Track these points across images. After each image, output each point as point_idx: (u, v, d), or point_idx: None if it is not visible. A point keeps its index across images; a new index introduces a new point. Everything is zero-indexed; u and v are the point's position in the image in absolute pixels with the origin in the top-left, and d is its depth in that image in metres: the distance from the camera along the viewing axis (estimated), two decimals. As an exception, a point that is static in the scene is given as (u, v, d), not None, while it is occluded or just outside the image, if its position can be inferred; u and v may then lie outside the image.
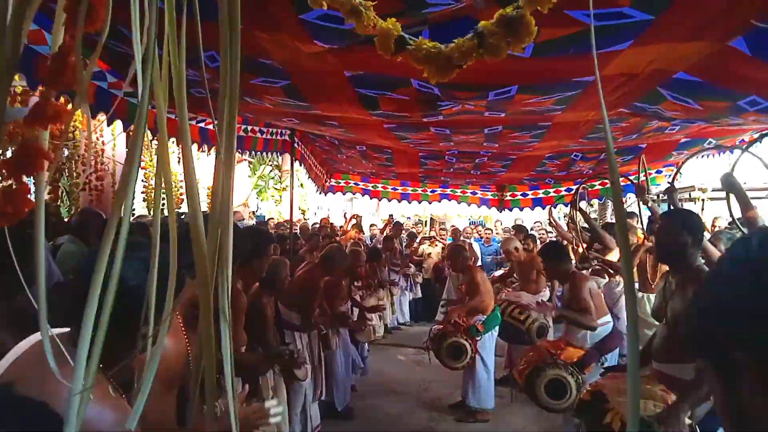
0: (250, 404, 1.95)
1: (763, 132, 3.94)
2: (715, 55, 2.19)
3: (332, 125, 4.58)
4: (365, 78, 2.78)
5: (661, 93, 2.91)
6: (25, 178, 0.65)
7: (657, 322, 3.02)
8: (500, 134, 4.85)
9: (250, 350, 3.41)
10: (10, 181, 0.65)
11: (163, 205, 0.98)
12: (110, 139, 5.24)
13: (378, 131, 4.75)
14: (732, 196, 3.33)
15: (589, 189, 8.00)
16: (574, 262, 5.72)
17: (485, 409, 5.20)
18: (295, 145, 5.89)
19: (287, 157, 6.47)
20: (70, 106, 0.75)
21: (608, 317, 4.13)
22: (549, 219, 7.61)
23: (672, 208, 3.71)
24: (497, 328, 5.38)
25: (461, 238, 9.62)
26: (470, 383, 5.21)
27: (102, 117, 3.67)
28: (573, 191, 8.11)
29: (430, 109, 3.42)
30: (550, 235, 10.13)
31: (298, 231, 8.21)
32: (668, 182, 4.55)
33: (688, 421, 2.42)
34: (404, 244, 9.70)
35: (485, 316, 5.22)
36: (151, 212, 5.40)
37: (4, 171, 0.65)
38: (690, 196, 7.89)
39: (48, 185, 5.50)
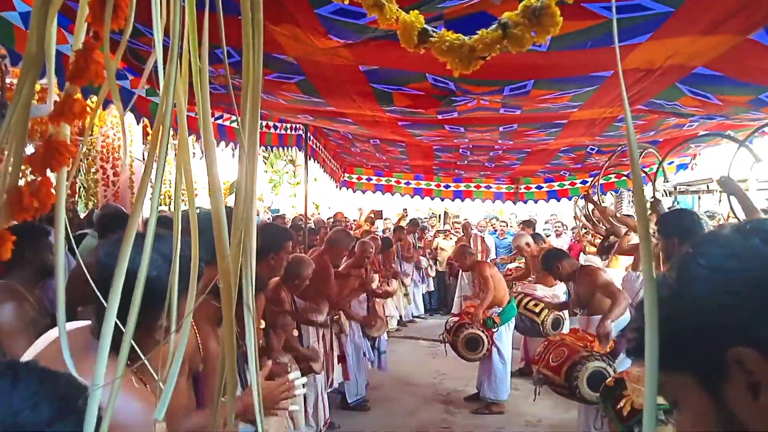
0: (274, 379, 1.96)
1: (759, 126, 3.88)
2: (735, 48, 2.16)
3: (346, 122, 4.59)
4: (380, 73, 2.77)
5: (680, 88, 2.88)
6: (48, 173, 0.66)
7: None
8: (515, 132, 4.83)
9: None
10: (34, 177, 0.66)
11: (184, 198, 1.00)
12: (128, 135, 5.31)
13: (392, 128, 4.75)
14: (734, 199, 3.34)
15: (605, 181, 7.94)
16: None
17: (500, 400, 5.21)
18: (309, 140, 5.91)
19: (301, 152, 6.51)
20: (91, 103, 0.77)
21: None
22: (579, 212, 7.53)
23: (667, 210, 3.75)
24: (513, 320, 5.38)
25: (473, 233, 9.58)
26: (486, 375, 5.21)
27: (120, 114, 3.70)
28: (588, 183, 8.06)
29: (445, 104, 3.41)
30: (565, 228, 10.07)
31: (312, 225, 8.24)
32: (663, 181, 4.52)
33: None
34: (416, 237, 9.68)
35: (501, 308, 5.22)
36: (171, 206, 5.45)
37: (28, 166, 0.66)
38: (708, 188, 7.78)
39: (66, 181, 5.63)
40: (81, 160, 5.29)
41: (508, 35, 0.90)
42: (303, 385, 1.99)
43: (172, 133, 0.93)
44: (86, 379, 0.84)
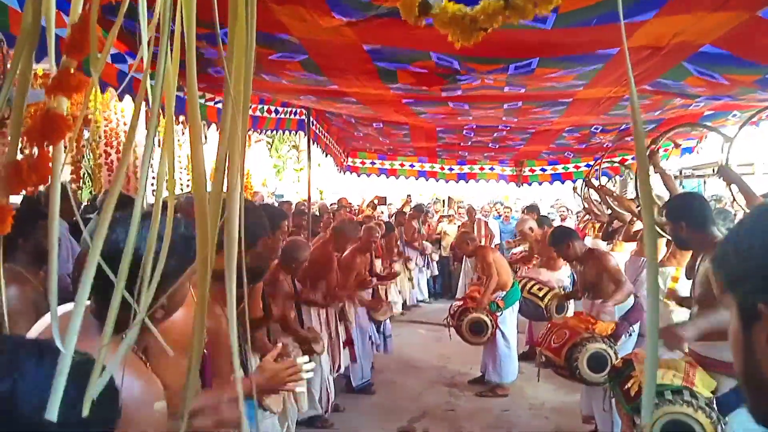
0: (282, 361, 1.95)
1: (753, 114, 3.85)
2: (743, 26, 2.12)
3: (350, 102, 4.56)
4: (384, 51, 2.75)
5: (686, 67, 2.84)
6: (46, 147, 0.66)
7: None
8: (520, 110, 4.78)
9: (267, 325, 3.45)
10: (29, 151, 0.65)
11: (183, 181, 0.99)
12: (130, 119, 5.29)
13: (396, 107, 4.72)
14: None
15: (610, 165, 7.89)
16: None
17: (506, 383, 5.23)
18: (312, 124, 5.88)
19: (304, 137, 6.46)
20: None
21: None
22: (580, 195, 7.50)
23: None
24: (517, 303, 5.38)
25: (477, 217, 9.56)
26: (491, 358, 5.24)
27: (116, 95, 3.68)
28: (590, 167, 8.01)
29: (449, 83, 3.38)
30: (570, 212, 10.03)
31: (316, 211, 8.24)
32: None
33: (706, 394, 2.44)
34: (420, 222, 9.67)
35: (504, 292, 5.23)
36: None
37: (25, 139, 0.66)
38: (714, 171, 7.73)
39: (71, 166, 5.55)
40: (84, 146, 5.29)
41: (511, 5, 0.88)
42: (310, 369, 1.99)
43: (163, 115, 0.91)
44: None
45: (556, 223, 9.23)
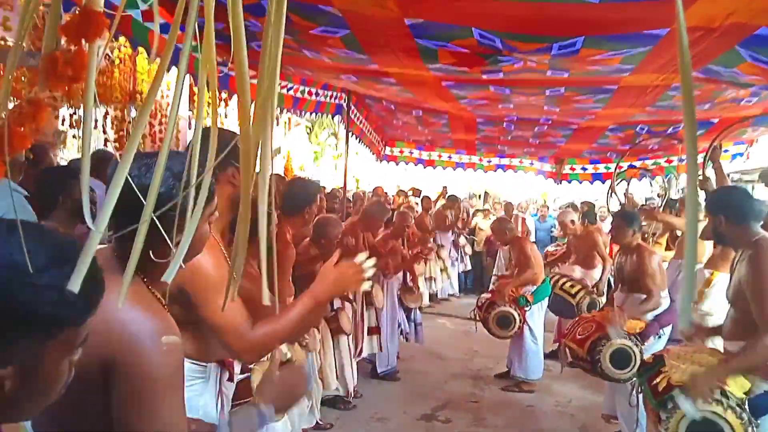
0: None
1: None
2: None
3: (389, 83, 4.54)
4: (425, 27, 2.72)
5: (740, 52, 2.72)
6: (84, 44, 0.66)
7: None
8: (562, 97, 4.68)
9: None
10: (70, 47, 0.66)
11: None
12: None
13: (436, 89, 4.68)
14: None
15: (654, 166, 7.67)
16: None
17: (531, 379, 5.15)
18: (350, 109, 5.89)
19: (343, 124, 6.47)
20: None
21: (665, 292, 3.99)
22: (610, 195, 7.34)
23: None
24: (547, 299, 5.29)
25: (514, 213, 9.43)
26: (517, 353, 5.16)
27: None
28: (635, 167, 7.81)
29: (490, 63, 3.33)
30: (610, 213, 9.78)
31: (350, 197, 8.26)
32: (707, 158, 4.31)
33: (739, 395, 2.35)
34: (453, 214, 9.57)
35: (535, 287, 5.14)
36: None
37: (63, 35, 0.66)
38: (759, 177, 7.43)
39: (115, 134, 5.69)
40: (128, 119, 5.43)
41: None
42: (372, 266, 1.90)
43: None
44: (111, 299, 0.85)
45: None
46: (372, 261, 1.83)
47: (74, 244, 0.77)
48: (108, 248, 1.27)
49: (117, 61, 4.87)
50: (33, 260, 0.70)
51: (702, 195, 3.81)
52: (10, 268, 0.70)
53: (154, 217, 0.72)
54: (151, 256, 0.99)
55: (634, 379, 3.07)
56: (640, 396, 2.83)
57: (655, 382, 2.58)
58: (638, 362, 3.43)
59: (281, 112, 5.79)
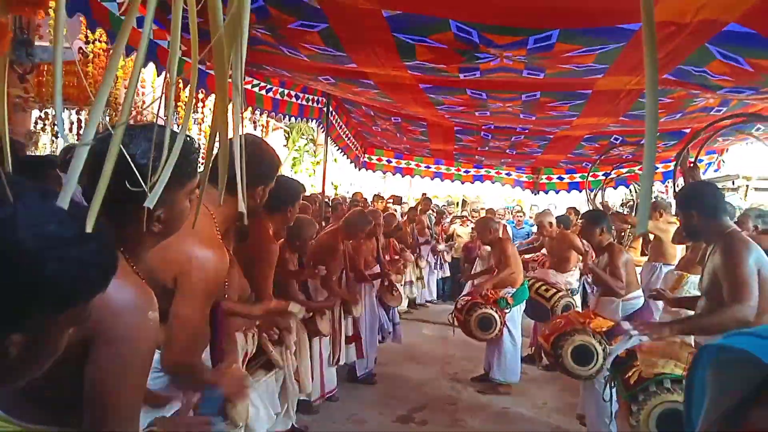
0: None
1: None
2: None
3: (368, 85, 4.55)
4: (403, 19, 2.74)
5: (710, 50, 2.79)
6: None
7: None
8: (538, 103, 4.75)
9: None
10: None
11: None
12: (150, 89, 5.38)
13: (413, 93, 4.70)
14: None
15: (629, 174, 7.81)
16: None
17: (510, 382, 5.16)
18: (330, 114, 5.90)
19: (322, 131, 6.47)
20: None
21: (639, 292, 4.05)
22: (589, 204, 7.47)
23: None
24: (524, 303, 5.33)
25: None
26: (496, 356, 5.17)
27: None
28: (608, 176, 7.95)
29: (467, 60, 3.36)
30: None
31: (329, 201, 8.25)
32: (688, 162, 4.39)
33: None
34: (433, 221, 9.64)
35: (514, 289, 5.17)
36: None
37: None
38: (733, 183, 7.62)
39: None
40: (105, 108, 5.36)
41: None
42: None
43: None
44: None
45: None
46: (302, 310, 1.91)
47: (101, 224, 0.77)
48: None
49: (91, 56, 4.80)
50: (62, 233, 0.71)
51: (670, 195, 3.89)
52: (41, 239, 0.70)
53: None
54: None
55: (607, 374, 3.09)
56: (614, 390, 2.85)
57: (627, 375, 2.62)
58: (601, 360, 3.48)
59: (261, 113, 5.76)
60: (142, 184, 0.90)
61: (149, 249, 1.27)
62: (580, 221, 4.58)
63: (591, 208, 7.26)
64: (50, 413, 1.10)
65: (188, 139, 1.26)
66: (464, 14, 2.53)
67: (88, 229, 0.74)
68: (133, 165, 0.86)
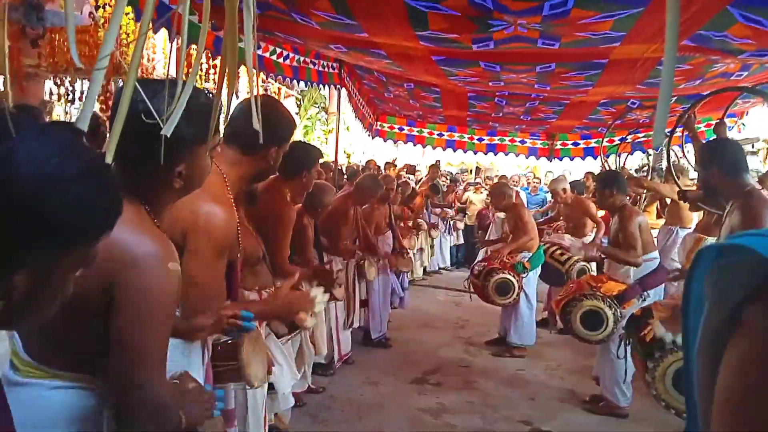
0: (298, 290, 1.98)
1: None
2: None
3: (380, 55, 4.51)
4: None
5: (731, 13, 2.72)
6: None
7: None
8: (553, 73, 4.67)
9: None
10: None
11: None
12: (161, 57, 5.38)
13: (425, 64, 4.64)
14: None
15: (645, 138, 7.71)
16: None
17: (527, 345, 5.23)
18: (342, 78, 5.86)
19: (334, 99, 6.43)
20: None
21: (655, 254, 3.99)
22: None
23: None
24: (540, 268, 5.35)
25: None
26: (513, 319, 5.22)
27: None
28: (625, 141, 7.84)
29: (481, 29, 3.31)
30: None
31: (343, 170, 8.26)
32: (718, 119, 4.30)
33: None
34: (442, 190, 9.58)
35: (531, 254, 5.19)
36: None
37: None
38: (753, 147, 7.50)
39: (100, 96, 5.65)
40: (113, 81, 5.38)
41: None
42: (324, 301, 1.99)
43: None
44: (118, 222, 0.86)
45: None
46: (325, 296, 1.95)
47: (101, 159, 0.78)
48: None
49: (102, 20, 4.78)
50: (63, 170, 0.70)
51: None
52: (40, 177, 0.69)
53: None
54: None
55: (622, 331, 3.11)
56: (629, 348, 2.88)
57: (642, 333, 2.63)
58: (611, 324, 3.51)
59: (276, 78, 5.73)
60: (159, 121, 0.93)
61: (170, 204, 1.30)
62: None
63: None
64: (77, 361, 1.14)
65: (210, 96, 1.28)
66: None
67: (108, 160, 0.77)
68: (156, 115, 0.90)
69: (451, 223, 9.61)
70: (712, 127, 4.43)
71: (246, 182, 1.90)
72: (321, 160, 7.97)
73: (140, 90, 1.06)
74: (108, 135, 0.88)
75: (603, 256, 4.17)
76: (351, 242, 4.77)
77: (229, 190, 1.76)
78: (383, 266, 5.33)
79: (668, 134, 7.46)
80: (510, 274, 4.99)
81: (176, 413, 1.16)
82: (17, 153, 0.68)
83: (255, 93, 0.91)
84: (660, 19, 2.89)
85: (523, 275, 5.10)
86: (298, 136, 12.17)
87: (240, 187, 1.89)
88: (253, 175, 1.89)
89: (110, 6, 4.79)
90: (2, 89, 0.80)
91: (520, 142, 8.97)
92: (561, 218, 6.30)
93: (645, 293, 3.75)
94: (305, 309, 1.93)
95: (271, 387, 2.64)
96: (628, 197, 4.30)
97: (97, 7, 4.77)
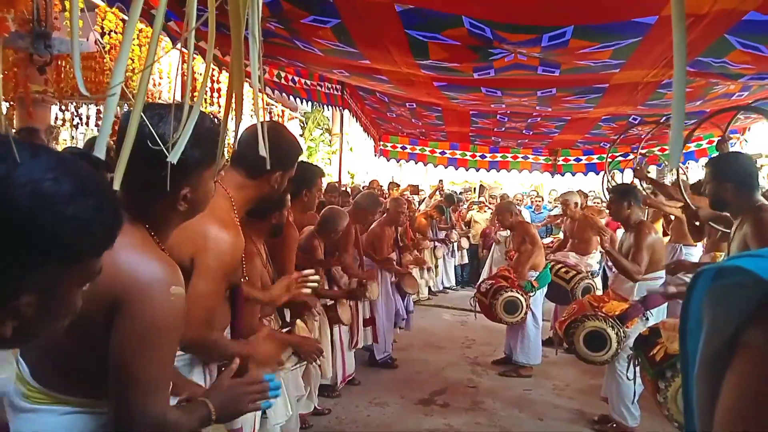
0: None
1: None
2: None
3: (382, 80, 4.55)
4: (415, 15, 2.74)
5: (729, 41, 2.74)
6: None
7: None
8: (554, 98, 4.71)
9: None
10: None
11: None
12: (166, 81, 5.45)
13: (428, 89, 4.69)
14: None
15: (648, 155, 7.72)
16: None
17: (533, 364, 5.20)
18: (346, 101, 5.92)
19: (337, 120, 6.51)
20: None
21: (661, 273, 3.97)
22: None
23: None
24: (546, 287, 5.34)
25: (511, 205, 9.47)
26: (519, 339, 5.19)
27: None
28: (629, 158, 7.85)
29: (481, 58, 3.34)
30: (603, 204, 9.85)
31: (347, 190, 8.29)
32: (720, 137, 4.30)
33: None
34: (450, 211, 9.60)
35: (537, 273, 5.18)
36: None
37: None
38: (756, 163, 7.48)
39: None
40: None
41: None
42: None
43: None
44: (121, 243, 0.88)
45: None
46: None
47: (95, 176, 0.79)
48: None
49: (108, 47, 4.86)
50: (58, 189, 0.71)
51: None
52: (36, 196, 0.69)
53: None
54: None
55: (631, 352, 3.09)
56: (637, 369, 2.86)
57: (652, 353, 2.62)
58: (614, 345, 3.48)
59: (280, 94, 5.78)
60: (164, 149, 0.95)
61: (174, 227, 1.31)
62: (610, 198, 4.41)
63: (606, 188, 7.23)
64: (83, 385, 1.15)
65: (214, 121, 1.30)
66: (476, 11, 2.53)
67: (116, 187, 0.79)
68: (160, 142, 0.92)
69: (456, 244, 9.59)
70: (714, 144, 4.42)
71: (251, 205, 1.91)
72: (326, 181, 8.04)
73: (145, 117, 1.08)
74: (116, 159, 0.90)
75: (608, 255, 4.07)
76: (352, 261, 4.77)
77: (236, 214, 1.78)
78: (386, 289, 5.33)
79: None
80: (518, 293, 4.98)
81: (178, 427, 1.16)
82: (13, 175, 0.68)
83: (260, 119, 0.93)
84: (658, 47, 2.92)
85: (531, 294, 5.08)
86: (303, 156, 12.25)
87: (245, 210, 1.90)
88: (258, 199, 1.91)
89: (116, 32, 4.87)
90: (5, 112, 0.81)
91: (522, 158, 9.00)
92: (560, 234, 6.27)
93: (648, 313, 3.72)
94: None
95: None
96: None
97: (102, 34, 4.85)
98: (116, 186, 0.84)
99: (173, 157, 0.86)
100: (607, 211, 7.30)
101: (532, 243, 5.12)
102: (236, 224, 1.75)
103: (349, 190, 8.18)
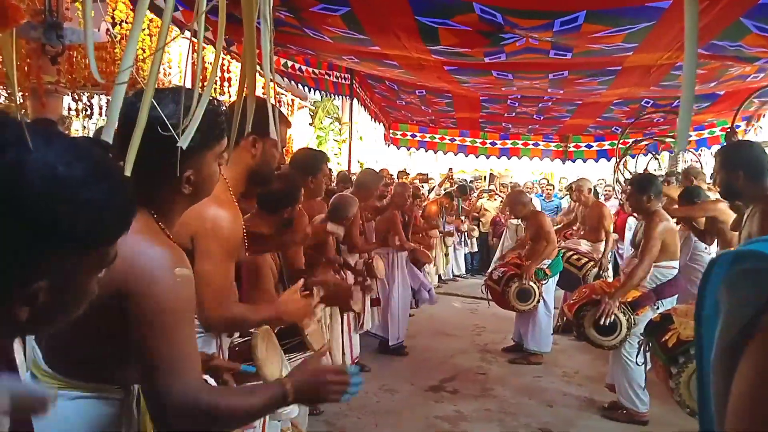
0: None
1: None
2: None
3: (392, 65, 4.53)
4: (425, 1, 2.72)
5: (744, 24, 2.71)
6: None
7: None
8: (566, 80, 4.67)
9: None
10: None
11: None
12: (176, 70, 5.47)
13: (438, 73, 4.66)
14: None
15: (662, 142, 7.65)
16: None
17: (543, 352, 5.20)
18: (355, 89, 5.92)
19: (347, 109, 6.49)
20: None
21: (675, 263, 3.91)
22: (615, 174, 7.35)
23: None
24: (558, 274, 5.32)
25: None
26: (530, 326, 5.18)
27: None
28: (640, 142, 7.78)
29: (492, 43, 3.32)
30: (615, 192, 9.77)
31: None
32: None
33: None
34: (460, 200, 9.58)
35: (550, 261, 5.16)
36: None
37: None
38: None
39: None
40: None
41: None
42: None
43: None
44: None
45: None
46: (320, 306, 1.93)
47: (108, 162, 0.79)
48: None
49: (118, 37, 4.87)
50: (72, 174, 0.70)
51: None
52: (50, 181, 0.69)
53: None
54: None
55: (641, 338, 3.07)
56: (648, 354, 2.85)
57: (664, 339, 2.61)
58: (624, 330, 3.46)
59: (290, 82, 5.78)
60: (174, 134, 0.95)
61: (180, 212, 1.31)
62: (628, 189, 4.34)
63: (617, 176, 7.18)
64: (93, 370, 1.17)
65: (215, 102, 1.29)
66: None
67: (127, 173, 0.78)
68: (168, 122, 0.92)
69: (466, 233, 9.57)
70: (725, 133, 4.36)
71: (245, 181, 1.86)
72: (336, 170, 8.04)
73: (154, 101, 1.09)
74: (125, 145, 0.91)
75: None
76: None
77: (231, 193, 1.77)
78: (402, 275, 5.35)
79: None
80: (531, 280, 4.96)
81: (224, 408, 1.14)
82: (26, 161, 0.68)
83: (270, 104, 0.92)
84: (671, 30, 2.89)
85: (544, 282, 5.07)
86: (312, 145, 12.27)
87: (238, 190, 1.85)
88: (248, 173, 1.84)
89: (127, 23, 4.89)
90: (19, 102, 0.82)
91: (533, 144, 8.95)
92: (578, 222, 6.23)
93: (659, 302, 3.69)
94: (304, 314, 1.93)
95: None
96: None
97: (113, 24, 4.86)
98: (127, 172, 0.84)
99: (183, 143, 0.86)
100: (620, 200, 7.29)
101: (547, 239, 5.06)
102: (233, 202, 1.75)
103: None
